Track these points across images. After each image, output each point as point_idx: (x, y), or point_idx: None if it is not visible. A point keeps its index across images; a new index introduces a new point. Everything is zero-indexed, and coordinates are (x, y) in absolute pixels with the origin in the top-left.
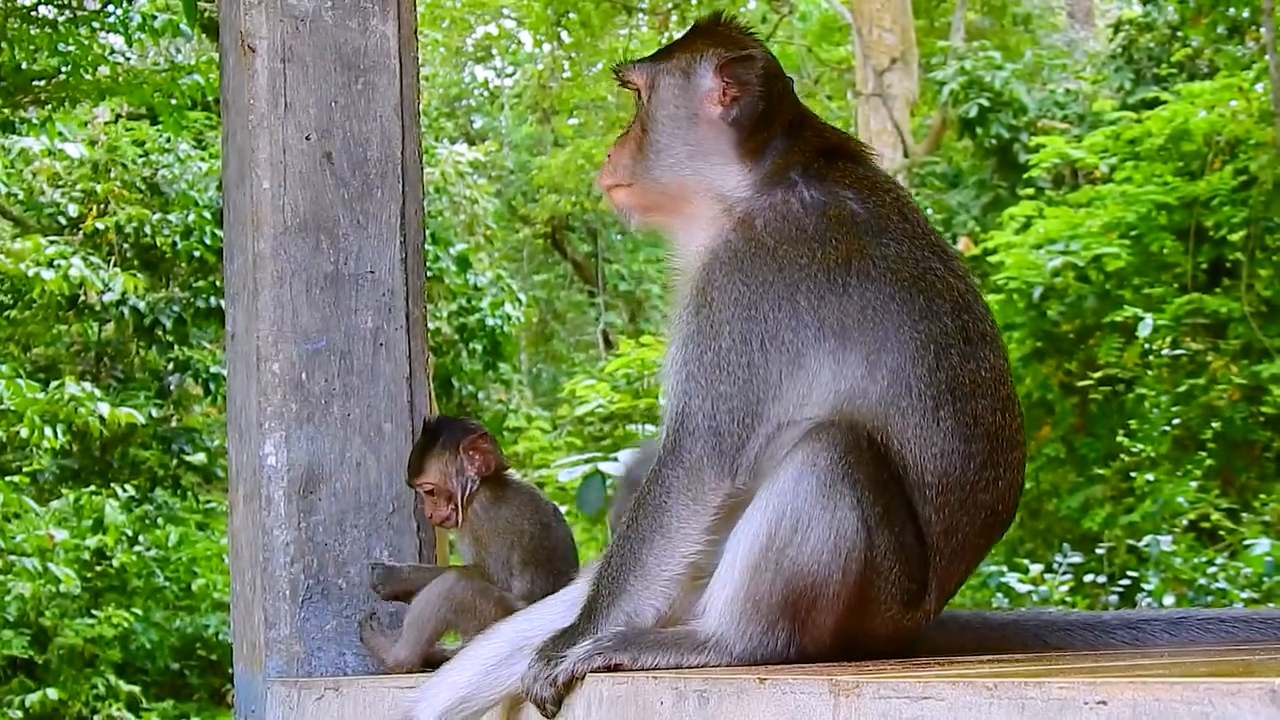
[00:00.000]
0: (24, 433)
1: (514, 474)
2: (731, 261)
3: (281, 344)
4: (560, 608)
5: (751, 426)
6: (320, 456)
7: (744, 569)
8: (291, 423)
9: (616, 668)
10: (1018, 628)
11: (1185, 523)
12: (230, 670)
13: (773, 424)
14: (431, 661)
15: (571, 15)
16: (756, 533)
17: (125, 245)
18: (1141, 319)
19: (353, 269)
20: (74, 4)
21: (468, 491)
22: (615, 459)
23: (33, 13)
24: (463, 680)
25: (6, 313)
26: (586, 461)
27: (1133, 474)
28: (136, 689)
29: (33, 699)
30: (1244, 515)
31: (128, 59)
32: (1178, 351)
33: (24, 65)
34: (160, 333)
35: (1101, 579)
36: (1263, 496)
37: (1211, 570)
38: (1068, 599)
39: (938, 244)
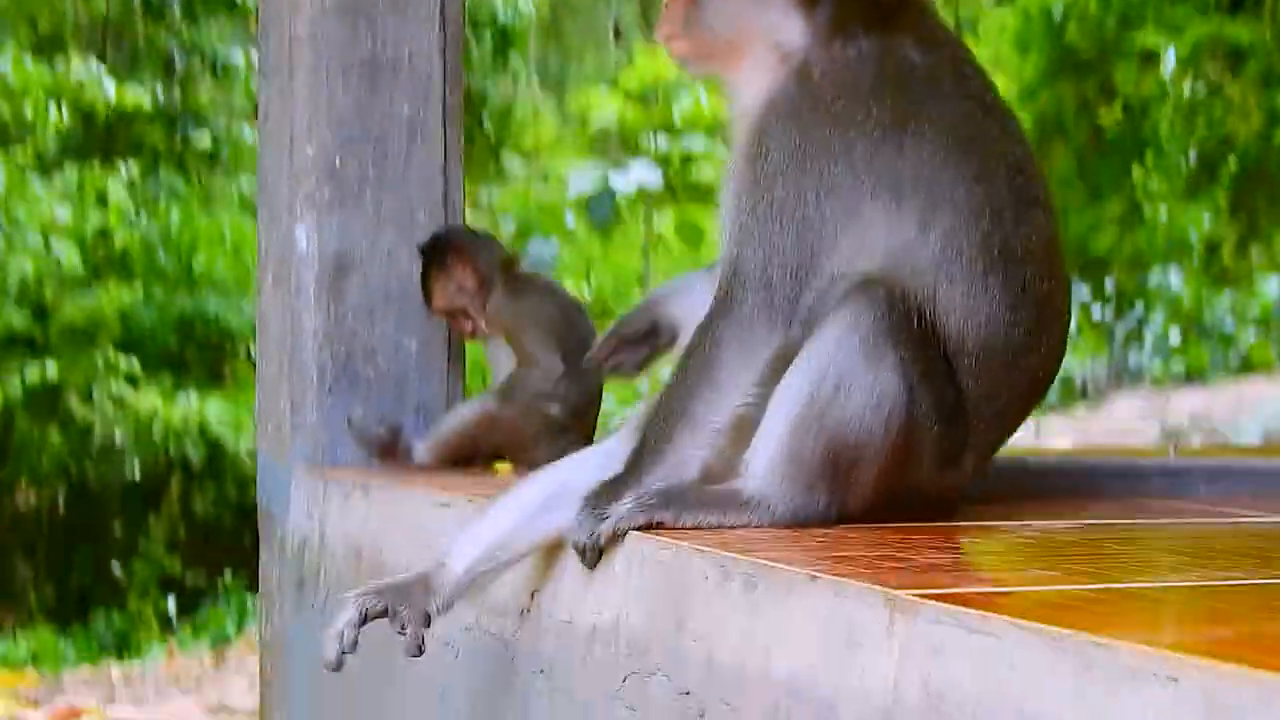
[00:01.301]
0: (28, 111)
1: (528, 273)
2: (788, 113)
3: (315, 128)
4: (597, 459)
5: (805, 279)
6: (352, 244)
7: (786, 429)
8: (323, 208)
9: (659, 525)
10: (1058, 474)
11: (1195, 260)
12: (227, 347)
13: (826, 277)
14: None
15: None
16: (798, 393)
17: None
18: (1163, 51)
19: (390, 54)
20: None
21: (475, 299)
22: (625, 171)
23: None
24: (498, 528)
25: None
26: (597, 172)
27: (1145, 205)
28: (136, 364)
29: (33, 373)
30: (1254, 249)
31: None
32: (1196, 83)
33: None
34: (167, 13)
35: (1109, 315)
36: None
37: (1220, 309)
38: (1075, 338)
39: (995, 103)
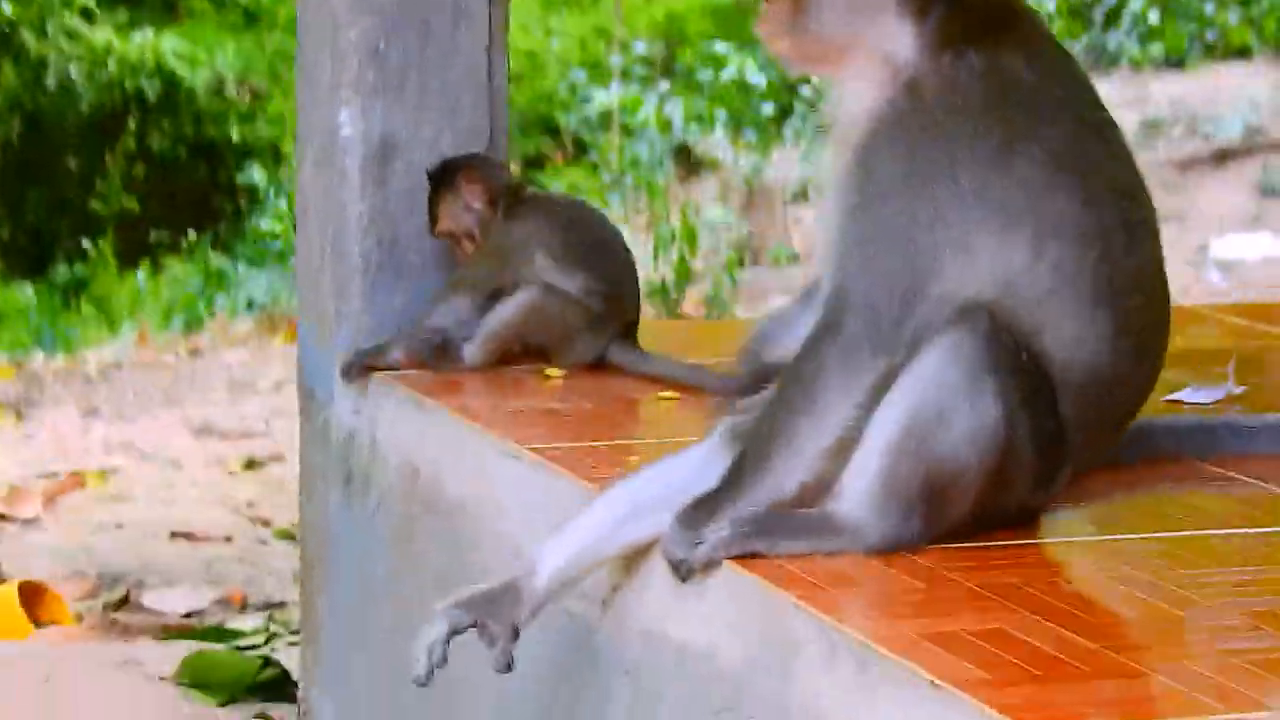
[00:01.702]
0: None
1: (537, 190)
2: (897, 131)
3: (358, 12)
4: (688, 467)
5: (911, 305)
6: (395, 129)
7: (883, 456)
8: (368, 93)
9: (754, 555)
10: (1135, 437)
11: None
12: None
13: (932, 302)
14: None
15: None
16: (897, 420)
17: None
18: None
19: None
20: None
21: (481, 222)
22: None
23: None
24: (586, 535)
25: None
26: None
27: None
28: None
29: None
30: None
31: None
32: None
33: None
34: None
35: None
36: None
37: None
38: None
39: (1103, 122)
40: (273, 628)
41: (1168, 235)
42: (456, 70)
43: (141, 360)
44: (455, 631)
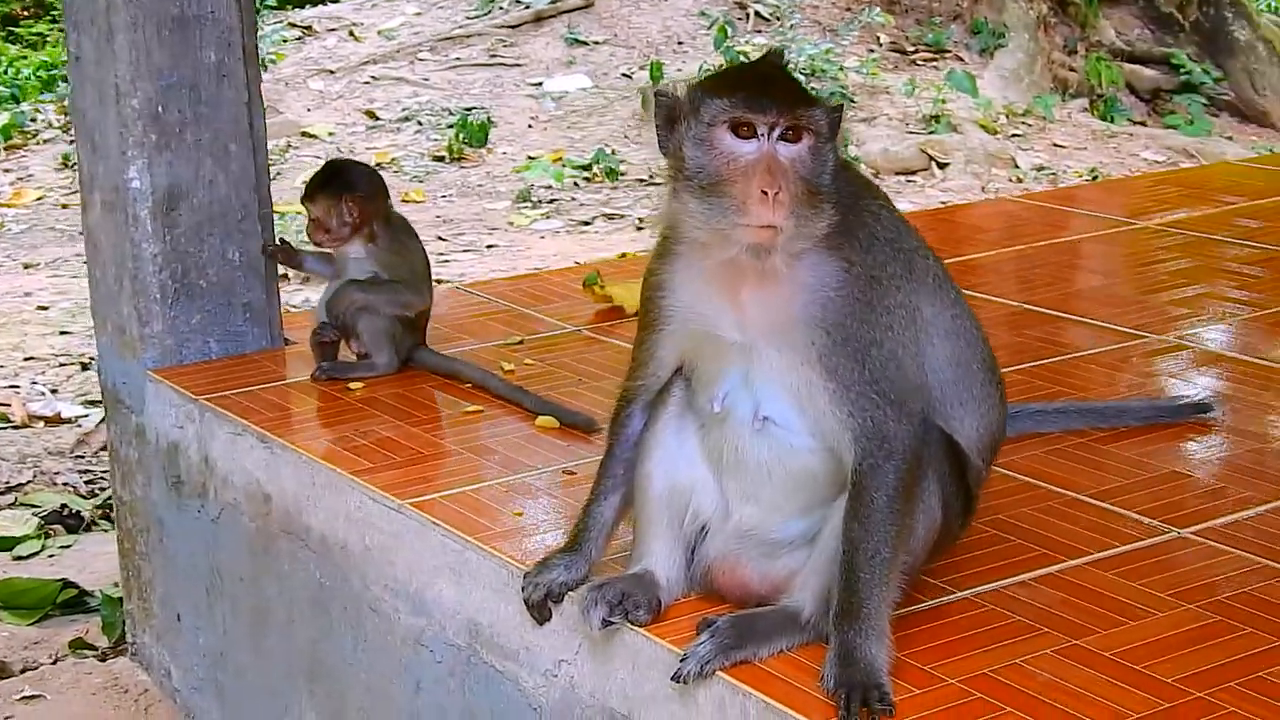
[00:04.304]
0: None
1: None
2: (850, 293)
3: (139, 81)
4: (677, 446)
5: (928, 417)
6: (178, 178)
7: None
8: (152, 150)
9: (743, 663)
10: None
11: None
12: None
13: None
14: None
15: None
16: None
17: None
18: None
19: (195, 10)
20: None
21: (340, 233)
22: None
23: None
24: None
25: None
26: None
27: None
28: None
29: None
30: None
31: None
32: None
33: None
34: None
35: None
36: None
37: None
38: None
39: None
40: (39, 526)
41: (517, 77)
42: (223, 123)
43: None
44: (612, 608)
